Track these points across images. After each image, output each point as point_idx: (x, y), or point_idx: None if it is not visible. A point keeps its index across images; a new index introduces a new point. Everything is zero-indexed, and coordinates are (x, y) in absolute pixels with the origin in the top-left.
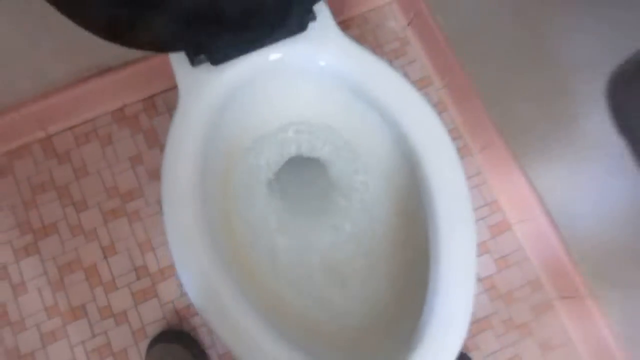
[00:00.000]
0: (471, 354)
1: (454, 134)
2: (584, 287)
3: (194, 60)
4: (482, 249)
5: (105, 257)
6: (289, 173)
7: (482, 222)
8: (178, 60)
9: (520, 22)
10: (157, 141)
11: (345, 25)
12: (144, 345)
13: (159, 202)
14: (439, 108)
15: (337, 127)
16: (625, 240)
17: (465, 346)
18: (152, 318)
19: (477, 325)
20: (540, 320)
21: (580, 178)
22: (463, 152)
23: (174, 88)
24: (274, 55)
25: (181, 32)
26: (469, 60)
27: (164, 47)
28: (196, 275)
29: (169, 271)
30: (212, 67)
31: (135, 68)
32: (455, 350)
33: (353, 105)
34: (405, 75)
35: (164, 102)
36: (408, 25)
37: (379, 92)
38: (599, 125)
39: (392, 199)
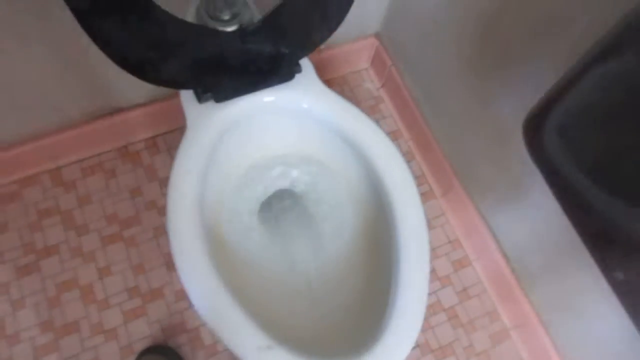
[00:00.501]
0: None
1: (421, 180)
2: (534, 315)
3: (201, 98)
4: (445, 281)
5: (101, 278)
6: (274, 200)
7: (445, 257)
8: (187, 97)
9: (471, 88)
10: (155, 176)
11: (328, 84)
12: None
13: (153, 230)
14: (408, 157)
15: (316, 158)
16: (567, 269)
17: None
18: (140, 335)
19: (441, 351)
20: (498, 349)
21: (525, 218)
22: (428, 196)
23: (174, 130)
24: (267, 98)
25: (193, 74)
26: (431, 117)
27: (179, 85)
28: (195, 278)
29: (158, 292)
30: (216, 104)
31: (142, 111)
32: (412, 339)
33: (330, 139)
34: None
35: (164, 142)
36: (381, 87)
37: (349, 129)
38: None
39: (360, 219)
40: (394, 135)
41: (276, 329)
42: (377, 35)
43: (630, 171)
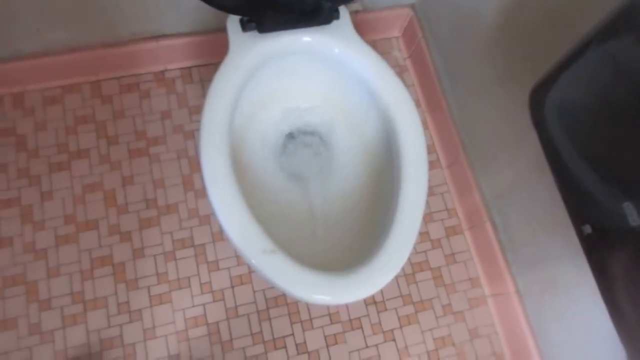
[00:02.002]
0: (411, 327)
1: (430, 149)
2: (511, 282)
3: (245, 26)
4: (436, 244)
5: (124, 185)
6: (294, 135)
7: (440, 222)
8: (233, 25)
9: (493, 71)
10: (186, 103)
11: None
12: None
13: (177, 152)
14: (422, 126)
15: (340, 104)
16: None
17: (408, 319)
18: (152, 242)
19: (422, 304)
20: (473, 311)
21: (521, 200)
22: (434, 165)
23: (209, 65)
24: (305, 38)
25: (245, 3)
26: (450, 92)
27: (229, 9)
28: (217, 183)
29: (173, 207)
30: (258, 35)
31: (184, 40)
32: (397, 268)
33: (355, 87)
34: None
35: (199, 73)
36: (408, 57)
37: (373, 80)
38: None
39: (368, 164)
40: None
41: (280, 241)
42: (413, 7)
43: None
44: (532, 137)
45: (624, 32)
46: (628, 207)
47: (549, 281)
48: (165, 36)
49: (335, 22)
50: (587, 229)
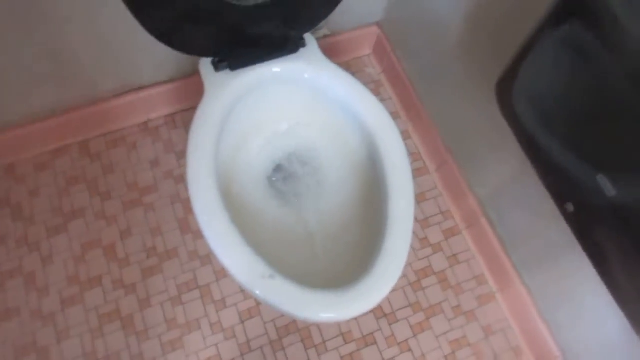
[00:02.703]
0: (424, 334)
1: (416, 157)
2: (517, 278)
3: (217, 67)
4: (437, 248)
5: (122, 239)
6: (281, 162)
7: (437, 226)
8: (206, 66)
9: (463, 72)
10: (172, 149)
11: None
12: None
13: (170, 197)
14: (405, 136)
15: (320, 124)
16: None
17: (421, 327)
18: (157, 290)
19: (432, 309)
20: (483, 309)
21: (510, 190)
22: (422, 171)
23: (191, 109)
24: (275, 68)
25: (213, 44)
26: (427, 99)
27: (200, 53)
28: (208, 214)
29: (173, 252)
30: (231, 73)
31: (163, 88)
32: (395, 277)
33: (331, 107)
34: None
35: (182, 119)
36: (382, 72)
37: (347, 98)
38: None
39: (356, 180)
40: (393, 117)
41: (279, 265)
42: (379, 24)
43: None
44: (510, 130)
45: (569, 17)
46: (602, 180)
47: (552, 268)
48: (144, 87)
49: (302, 50)
50: (570, 207)
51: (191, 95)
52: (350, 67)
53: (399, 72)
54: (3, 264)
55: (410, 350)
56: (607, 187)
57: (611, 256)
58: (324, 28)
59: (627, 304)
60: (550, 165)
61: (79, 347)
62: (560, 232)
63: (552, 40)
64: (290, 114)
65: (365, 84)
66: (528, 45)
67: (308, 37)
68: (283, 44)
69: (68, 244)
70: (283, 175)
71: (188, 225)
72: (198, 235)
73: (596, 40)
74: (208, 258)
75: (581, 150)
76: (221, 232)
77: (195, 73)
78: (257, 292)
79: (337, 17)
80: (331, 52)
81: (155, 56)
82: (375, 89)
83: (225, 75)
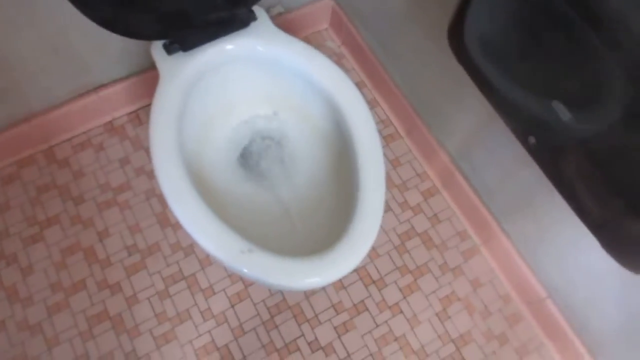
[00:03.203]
0: (414, 295)
1: (386, 123)
2: (495, 224)
3: (169, 50)
4: (417, 210)
5: (101, 240)
6: (249, 141)
7: (415, 189)
8: (158, 51)
9: (421, 30)
10: (141, 145)
11: None
12: None
13: (145, 193)
14: (372, 104)
15: (282, 100)
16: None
17: (410, 288)
18: (143, 285)
19: (419, 270)
20: (469, 263)
21: (479, 137)
22: (394, 137)
23: None
24: (228, 46)
25: (160, 26)
26: (389, 65)
27: (148, 36)
28: (181, 199)
29: (155, 247)
30: (183, 54)
31: (123, 85)
32: (374, 234)
33: (291, 80)
34: None
35: (146, 114)
36: (342, 44)
37: (305, 67)
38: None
39: (325, 152)
40: (358, 87)
41: (259, 242)
42: None
43: (528, 60)
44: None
45: None
46: (557, 105)
47: (528, 210)
48: (103, 86)
49: (253, 24)
50: (531, 139)
51: (152, 88)
52: (310, 43)
53: (359, 42)
54: None
55: (401, 312)
56: (563, 111)
57: (576, 182)
58: (278, 5)
59: (598, 229)
60: (508, 102)
61: (71, 351)
62: (530, 172)
63: None
64: (253, 93)
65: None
66: None
67: (258, 10)
68: (232, 20)
69: (47, 252)
70: (252, 155)
71: (167, 219)
72: (178, 227)
73: None
74: (191, 248)
75: (534, 82)
76: (195, 214)
77: (152, 67)
78: (239, 267)
79: None
80: (288, 29)
81: (110, 53)
82: (337, 61)
83: (178, 57)
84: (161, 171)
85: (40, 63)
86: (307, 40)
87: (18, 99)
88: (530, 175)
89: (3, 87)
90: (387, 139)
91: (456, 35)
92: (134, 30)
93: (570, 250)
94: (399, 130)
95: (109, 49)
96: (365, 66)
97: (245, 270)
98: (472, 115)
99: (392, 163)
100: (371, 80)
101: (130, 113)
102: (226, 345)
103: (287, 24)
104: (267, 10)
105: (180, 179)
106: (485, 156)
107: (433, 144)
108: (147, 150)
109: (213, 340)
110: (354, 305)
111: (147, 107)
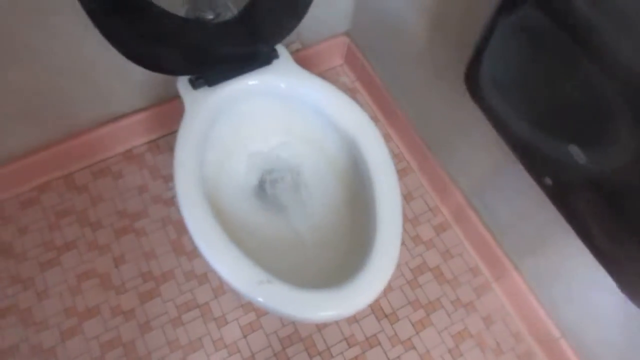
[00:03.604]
0: (426, 330)
1: (399, 158)
2: (508, 261)
3: (195, 84)
4: (429, 244)
5: (117, 266)
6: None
7: (428, 223)
8: (184, 86)
9: (435, 64)
10: (159, 174)
11: None
12: None
13: (161, 220)
14: (386, 139)
15: (300, 133)
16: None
17: (422, 324)
18: (156, 314)
19: (431, 305)
20: (482, 299)
21: (490, 176)
22: (407, 171)
23: (174, 132)
24: (251, 81)
25: (187, 62)
26: (402, 101)
27: (175, 72)
28: (201, 228)
29: (169, 274)
30: (209, 89)
31: (144, 115)
32: (391, 270)
33: (310, 115)
34: None
35: (166, 143)
36: (356, 79)
37: (323, 102)
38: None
39: (340, 184)
40: None
41: (274, 272)
42: (348, 33)
43: (545, 103)
44: (483, 117)
45: (520, 3)
46: (573, 149)
47: (541, 248)
48: (124, 115)
49: (275, 61)
50: (547, 180)
51: (172, 119)
52: (325, 78)
53: (373, 78)
54: None
55: (414, 347)
56: (579, 155)
57: (593, 222)
58: (297, 42)
59: (613, 268)
60: (525, 143)
61: None
62: (544, 212)
63: (509, 24)
64: (271, 126)
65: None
66: (487, 32)
67: (280, 48)
68: (256, 57)
69: (63, 277)
70: (268, 187)
71: (182, 246)
72: (193, 255)
73: (550, 20)
74: (205, 277)
75: (551, 124)
76: (216, 244)
77: (173, 97)
78: (256, 298)
79: (307, 30)
80: (305, 64)
81: (134, 83)
82: (351, 96)
83: (204, 92)
84: (184, 202)
85: (65, 90)
86: (323, 75)
87: (41, 125)
88: (544, 214)
89: (27, 112)
90: (400, 173)
91: (473, 76)
92: (161, 64)
93: (585, 290)
94: (411, 164)
95: (132, 79)
96: (379, 101)
97: (262, 301)
98: (486, 153)
99: (405, 197)
100: (384, 116)
101: (150, 142)
102: None
103: (304, 60)
104: (286, 47)
105: (203, 210)
106: (499, 193)
107: (445, 179)
108: (164, 179)
109: None
110: (367, 339)
111: (166, 137)
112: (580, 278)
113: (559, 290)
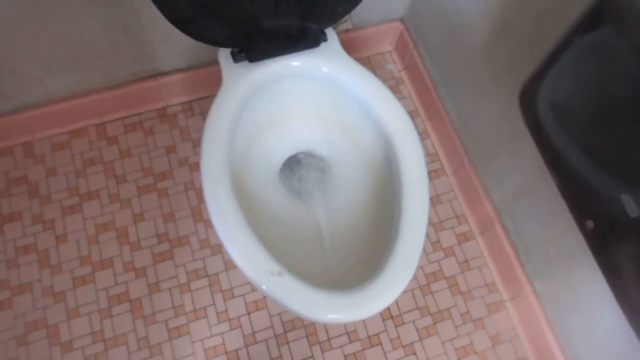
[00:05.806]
0: (431, 338)
1: (433, 158)
2: (527, 283)
3: (236, 58)
4: (449, 252)
5: (135, 223)
6: (293, 158)
7: (451, 230)
8: (225, 57)
9: (485, 75)
10: (189, 137)
11: None
12: None
13: (184, 184)
14: (423, 136)
15: (335, 121)
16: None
17: (427, 331)
18: (166, 275)
19: (440, 314)
20: (493, 317)
21: (527, 196)
22: (439, 173)
23: (209, 97)
24: (294, 62)
25: (232, 35)
26: (447, 100)
27: (219, 43)
28: (221, 209)
29: (185, 239)
30: (249, 65)
31: (182, 76)
32: (405, 281)
33: (348, 104)
34: None
35: (199, 106)
36: (403, 69)
37: (365, 95)
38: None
39: (369, 177)
40: (411, 115)
41: (287, 260)
42: (402, 20)
43: (603, 143)
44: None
45: (602, 23)
46: (626, 199)
47: (565, 278)
48: (163, 73)
49: (323, 44)
50: (590, 224)
51: (210, 83)
52: (371, 63)
53: (420, 70)
54: (18, 239)
55: (414, 354)
56: (631, 206)
57: (627, 275)
58: (348, 22)
59: (638, 323)
60: (572, 178)
61: (88, 326)
62: (575, 243)
63: (582, 46)
64: (306, 110)
65: (386, 80)
66: (557, 51)
67: (329, 32)
68: (303, 38)
69: (82, 224)
70: (296, 171)
71: (201, 214)
72: (210, 224)
73: (629, 48)
74: (219, 247)
75: (606, 166)
76: (232, 225)
77: (214, 62)
78: (264, 288)
79: (360, 11)
80: (352, 46)
81: (176, 42)
82: (395, 86)
83: (244, 66)
84: (208, 175)
85: (108, 41)
86: (369, 60)
87: (82, 73)
88: (573, 244)
89: (72, 59)
90: (431, 175)
91: (530, 93)
92: (207, 35)
93: (601, 328)
94: (445, 167)
95: (175, 39)
96: (423, 95)
97: (270, 293)
98: (525, 169)
99: (432, 200)
100: (426, 111)
101: (185, 103)
102: (235, 351)
103: (352, 41)
104: (335, 26)
105: (225, 188)
106: (530, 213)
107: (478, 188)
108: (193, 142)
109: (223, 343)
110: (368, 337)
111: (202, 100)
112: (598, 315)
113: (577, 323)
